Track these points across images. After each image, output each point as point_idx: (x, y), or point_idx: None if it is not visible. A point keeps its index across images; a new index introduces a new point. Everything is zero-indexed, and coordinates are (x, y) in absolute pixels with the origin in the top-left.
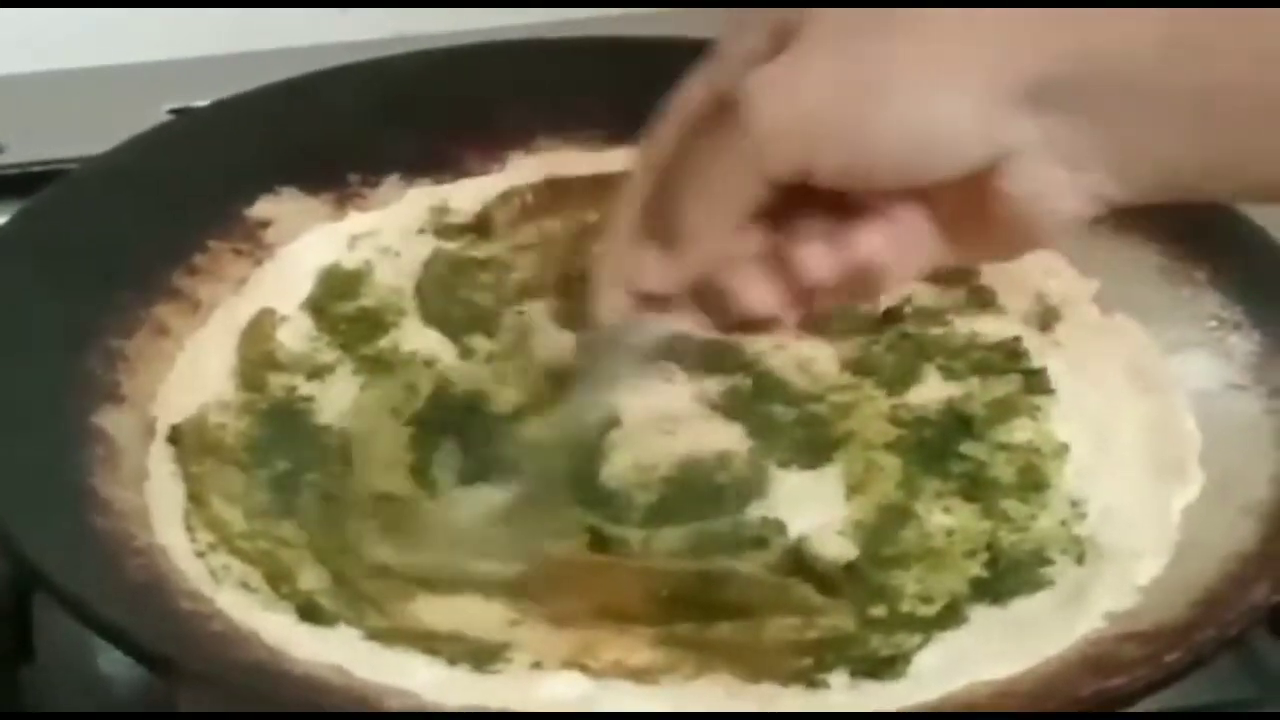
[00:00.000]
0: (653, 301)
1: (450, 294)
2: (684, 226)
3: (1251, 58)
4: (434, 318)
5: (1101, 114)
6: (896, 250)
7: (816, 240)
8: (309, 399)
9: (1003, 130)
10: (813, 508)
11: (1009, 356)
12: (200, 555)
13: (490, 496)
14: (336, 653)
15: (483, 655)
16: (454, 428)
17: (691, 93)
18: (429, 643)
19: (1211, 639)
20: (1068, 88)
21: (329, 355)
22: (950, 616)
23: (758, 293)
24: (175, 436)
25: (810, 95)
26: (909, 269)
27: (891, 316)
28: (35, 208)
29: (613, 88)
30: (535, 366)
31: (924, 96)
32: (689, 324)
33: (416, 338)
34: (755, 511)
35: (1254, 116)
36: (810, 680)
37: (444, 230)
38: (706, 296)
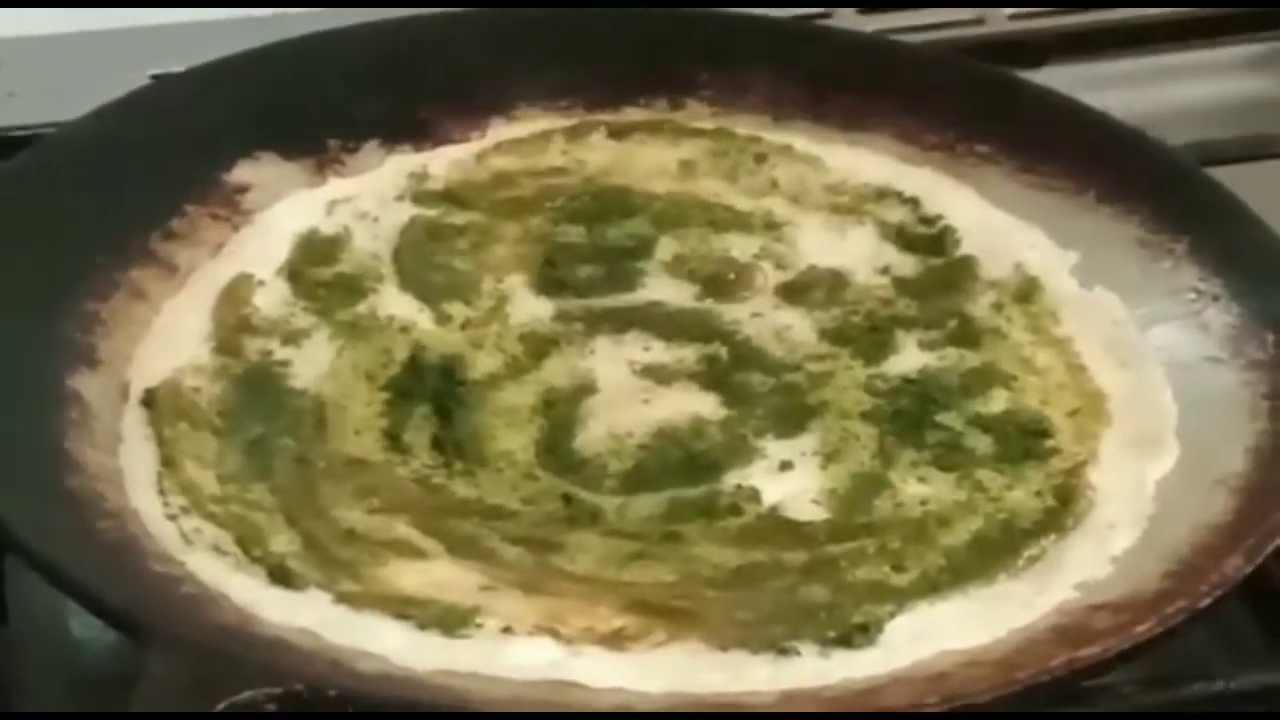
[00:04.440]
0: None
1: (428, 260)
2: None
3: None
4: (411, 284)
5: None
6: None
7: None
8: (284, 363)
9: None
10: (788, 476)
11: (987, 328)
12: (172, 518)
13: None
14: (307, 616)
15: (453, 620)
16: (429, 393)
17: None
18: (399, 607)
19: (1183, 610)
20: None
21: (305, 320)
22: (923, 585)
23: None
24: (149, 400)
25: None
26: None
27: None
28: (13, 171)
29: (594, 57)
30: (511, 333)
31: None
32: None
33: (393, 303)
34: (730, 480)
35: None
36: (781, 648)
37: (422, 197)
38: None
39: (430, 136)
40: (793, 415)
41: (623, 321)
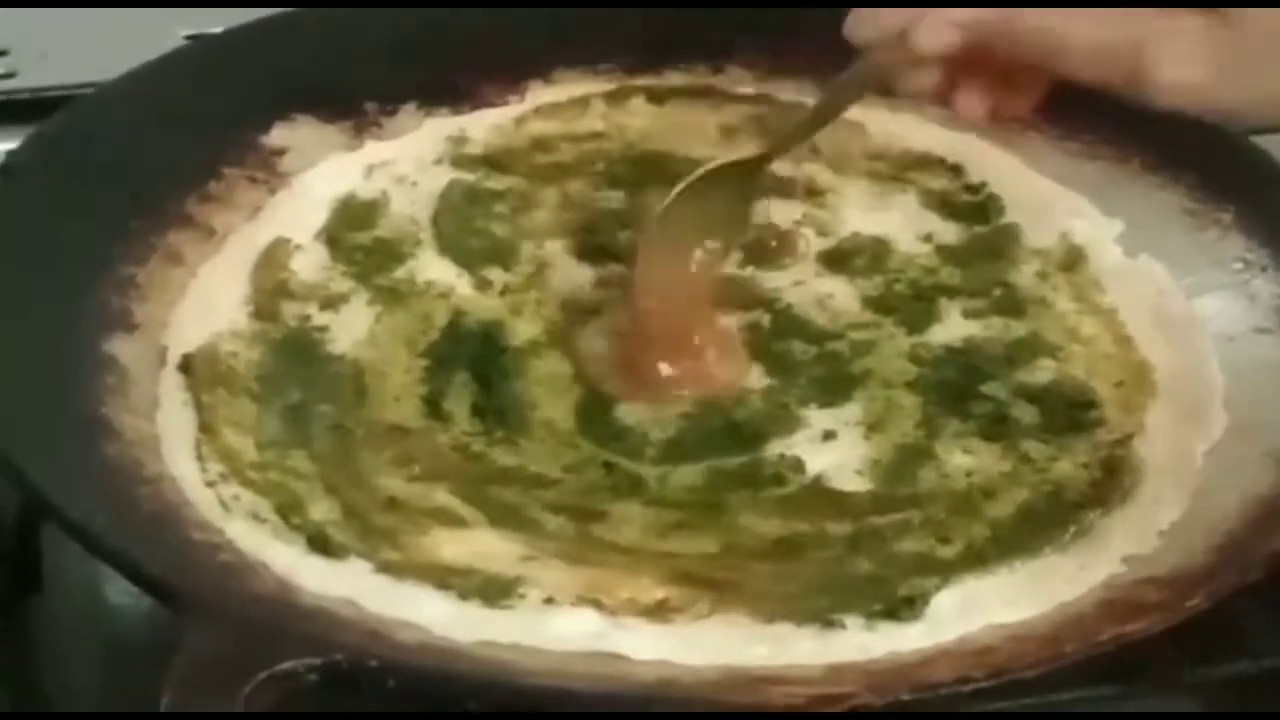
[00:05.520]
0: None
1: (466, 225)
2: None
3: None
4: (450, 248)
5: None
6: None
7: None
8: (322, 329)
9: None
10: (831, 446)
11: (1032, 297)
12: (211, 485)
13: None
14: (347, 585)
15: (494, 590)
16: (468, 360)
17: None
18: (441, 577)
19: (1231, 584)
20: None
21: (343, 285)
22: (969, 558)
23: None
24: (187, 365)
25: None
26: None
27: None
28: (48, 133)
29: (632, 20)
30: (551, 299)
31: None
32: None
33: (432, 268)
34: (773, 449)
35: None
36: (826, 620)
37: (461, 161)
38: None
39: (469, 100)
40: (836, 384)
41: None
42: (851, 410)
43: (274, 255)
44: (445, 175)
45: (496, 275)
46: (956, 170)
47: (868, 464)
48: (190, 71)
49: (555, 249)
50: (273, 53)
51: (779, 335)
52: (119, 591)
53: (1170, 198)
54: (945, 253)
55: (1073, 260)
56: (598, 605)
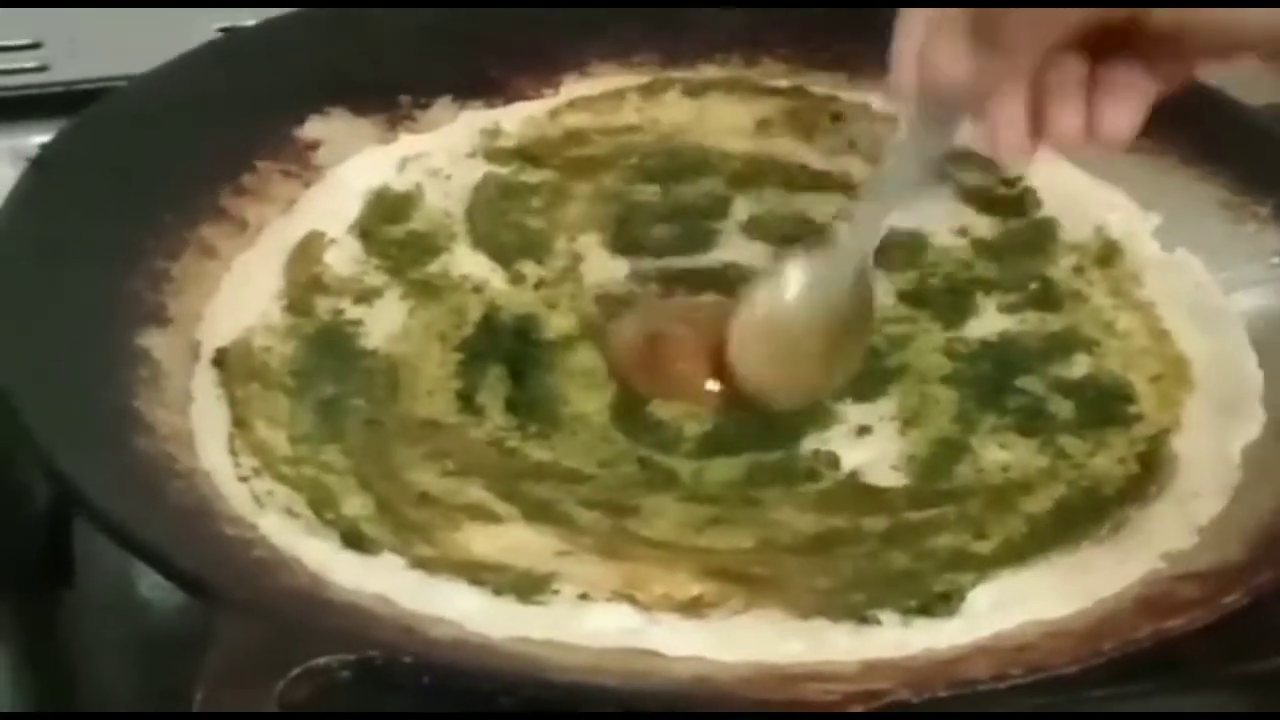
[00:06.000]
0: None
1: (501, 219)
2: (1004, 30)
3: None
4: (484, 242)
5: None
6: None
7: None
8: (356, 323)
9: None
10: (866, 441)
11: (1068, 291)
12: (244, 480)
13: None
14: (380, 581)
15: (529, 586)
16: (502, 354)
17: None
18: (475, 572)
19: (1270, 580)
20: None
21: (377, 279)
22: (1005, 554)
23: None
24: (220, 359)
25: None
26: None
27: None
28: (81, 126)
29: (667, 13)
30: (585, 293)
31: None
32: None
33: (466, 262)
34: (808, 444)
35: None
36: (862, 616)
37: (495, 154)
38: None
39: (503, 92)
40: (871, 379)
41: (698, 282)
42: (887, 405)
43: (308, 249)
44: (479, 168)
45: (530, 269)
46: (993, 164)
47: (903, 459)
48: (223, 64)
49: (589, 242)
50: (306, 45)
51: None
52: (151, 586)
53: (1208, 191)
54: (981, 247)
55: (1109, 254)
56: (632, 601)
